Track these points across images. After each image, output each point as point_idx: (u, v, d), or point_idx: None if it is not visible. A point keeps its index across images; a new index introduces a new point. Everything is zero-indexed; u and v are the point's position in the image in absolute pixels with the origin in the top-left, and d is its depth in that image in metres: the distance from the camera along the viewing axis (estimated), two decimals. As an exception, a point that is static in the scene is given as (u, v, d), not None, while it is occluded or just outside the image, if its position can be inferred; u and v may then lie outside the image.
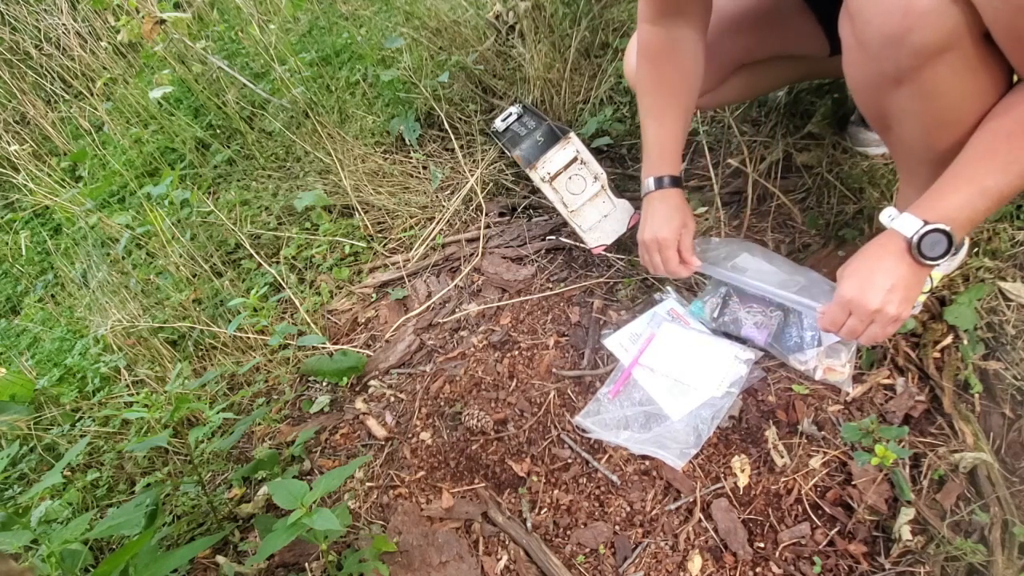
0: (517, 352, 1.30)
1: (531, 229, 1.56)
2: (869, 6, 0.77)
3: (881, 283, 0.83)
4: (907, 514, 0.91)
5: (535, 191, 1.69)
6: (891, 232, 0.83)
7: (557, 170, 1.16)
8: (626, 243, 1.39)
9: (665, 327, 1.20)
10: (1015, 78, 0.79)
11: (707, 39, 1.07)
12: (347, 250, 1.73)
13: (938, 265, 0.83)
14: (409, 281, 1.59)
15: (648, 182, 1.12)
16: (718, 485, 1.02)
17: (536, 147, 1.27)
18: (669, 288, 1.28)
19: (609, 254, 1.38)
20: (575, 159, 1.18)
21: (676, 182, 1.12)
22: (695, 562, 0.95)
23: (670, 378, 1.13)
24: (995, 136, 0.77)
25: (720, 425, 1.07)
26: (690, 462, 1.05)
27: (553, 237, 1.52)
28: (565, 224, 1.54)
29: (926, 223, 0.79)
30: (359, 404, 1.36)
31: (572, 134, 1.16)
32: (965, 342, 1.04)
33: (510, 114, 1.56)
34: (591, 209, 1.24)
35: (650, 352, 1.18)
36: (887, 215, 0.84)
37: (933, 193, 0.81)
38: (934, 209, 0.80)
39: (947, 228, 0.79)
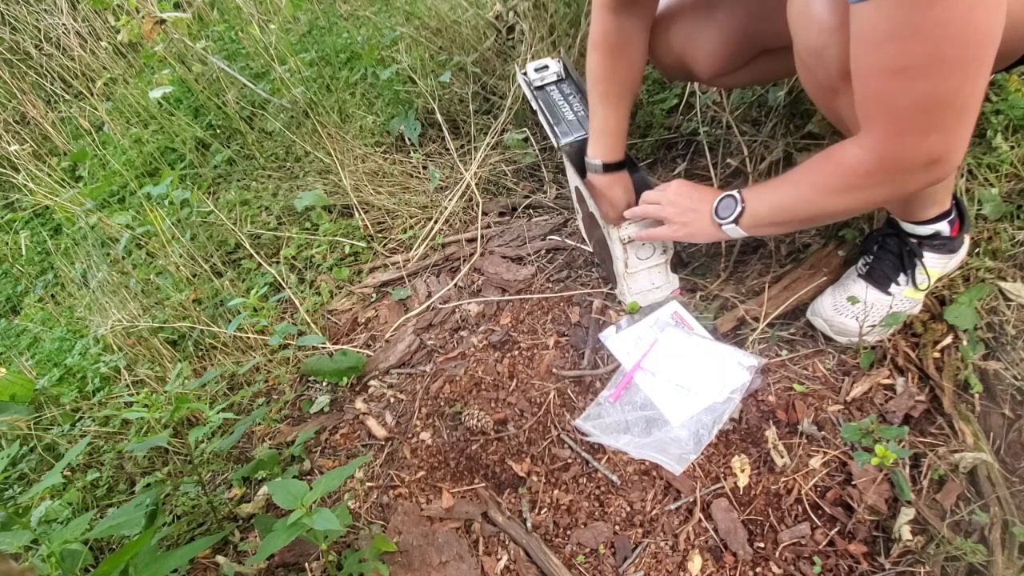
0: (517, 352, 1.30)
1: (531, 229, 1.56)
2: (796, 19, 0.81)
3: (691, 205, 1.05)
4: (907, 514, 0.91)
5: (535, 191, 1.69)
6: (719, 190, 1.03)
7: (639, 236, 1.17)
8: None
9: (668, 332, 1.20)
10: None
11: (738, 23, 1.07)
12: (347, 250, 1.73)
13: (722, 223, 1.00)
14: (409, 281, 1.59)
15: (599, 163, 1.21)
16: (718, 485, 1.02)
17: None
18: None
19: None
20: None
21: (626, 164, 1.24)
22: (695, 562, 0.95)
23: (672, 383, 1.13)
24: (805, 163, 0.90)
25: (720, 428, 1.07)
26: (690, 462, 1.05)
27: (553, 237, 1.52)
28: (565, 224, 1.54)
29: (734, 192, 0.98)
30: (359, 404, 1.36)
31: None
32: (965, 342, 1.04)
33: (546, 66, 1.46)
34: (646, 277, 1.23)
35: (652, 356, 1.17)
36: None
37: (762, 183, 0.99)
38: (746, 191, 0.98)
39: (739, 200, 0.97)
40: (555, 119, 1.38)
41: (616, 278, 1.26)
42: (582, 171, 1.33)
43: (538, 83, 1.45)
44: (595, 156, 1.21)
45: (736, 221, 0.98)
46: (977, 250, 1.12)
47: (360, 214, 1.76)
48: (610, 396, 1.15)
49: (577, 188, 1.34)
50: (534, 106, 1.44)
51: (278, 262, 1.76)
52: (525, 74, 1.47)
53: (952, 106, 0.70)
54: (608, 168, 1.20)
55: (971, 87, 0.69)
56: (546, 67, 1.46)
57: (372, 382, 1.39)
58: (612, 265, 1.25)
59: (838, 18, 0.75)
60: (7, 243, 2.59)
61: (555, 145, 1.37)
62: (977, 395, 1.00)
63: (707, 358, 1.14)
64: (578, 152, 1.35)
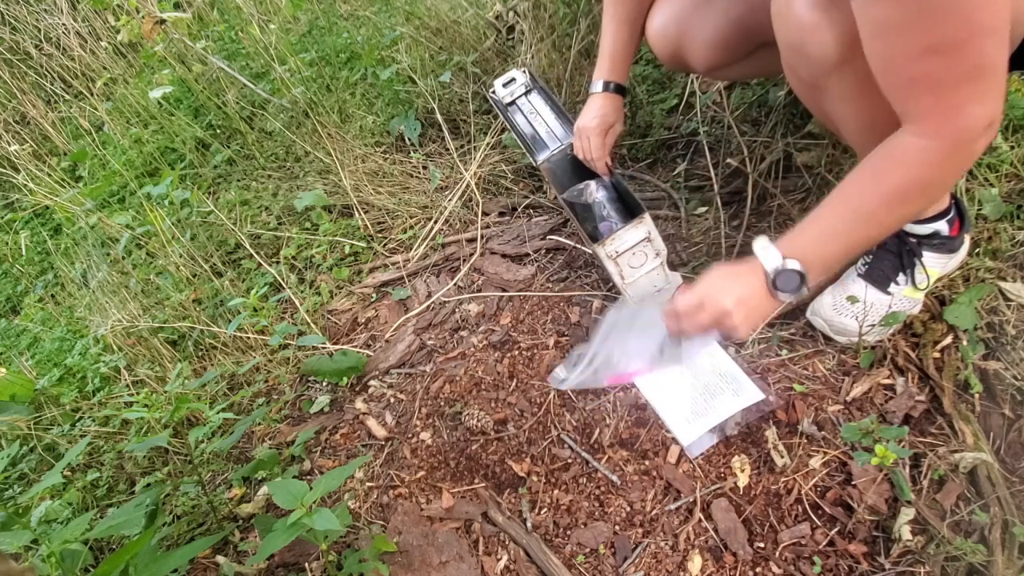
0: (517, 352, 1.30)
1: (531, 229, 1.56)
2: (777, 18, 0.81)
3: (738, 292, 0.88)
4: (907, 514, 0.91)
5: (535, 191, 1.69)
6: (758, 261, 0.88)
7: (626, 249, 1.17)
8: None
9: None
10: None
11: (737, 14, 1.07)
12: (347, 250, 1.73)
13: (791, 299, 0.88)
14: (409, 281, 1.59)
15: (598, 83, 1.25)
16: (718, 485, 1.02)
17: (604, 221, 1.29)
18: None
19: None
20: (645, 239, 1.18)
21: (620, 89, 1.25)
22: (695, 562, 0.95)
23: (684, 400, 1.11)
24: (853, 181, 0.82)
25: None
26: (690, 462, 1.05)
27: (553, 237, 1.52)
28: (565, 224, 1.54)
29: (784, 261, 0.85)
30: (359, 404, 1.36)
31: (647, 215, 1.16)
32: (965, 342, 1.04)
33: (513, 79, 1.45)
34: (645, 282, 1.24)
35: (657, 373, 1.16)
36: (760, 245, 0.88)
37: (797, 228, 0.87)
38: (792, 246, 0.86)
39: (800, 269, 0.84)
40: (528, 136, 1.39)
41: (619, 290, 1.27)
42: (561, 187, 1.34)
43: (508, 99, 1.45)
44: (596, 77, 1.25)
45: (801, 287, 0.87)
46: (977, 250, 1.12)
47: (360, 214, 1.76)
48: (604, 380, 1.13)
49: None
50: (507, 125, 1.45)
51: (278, 262, 1.76)
52: (494, 92, 1.47)
53: (994, 70, 0.70)
54: (605, 87, 1.24)
55: (1002, 51, 0.69)
56: (513, 80, 1.46)
57: (372, 382, 1.39)
58: (615, 284, 1.25)
59: (818, 16, 0.76)
60: (7, 243, 2.59)
61: (533, 163, 1.37)
62: (977, 395, 1.00)
63: (720, 379, 1.12)
64: (558, 166, 1.35)
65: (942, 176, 0.79)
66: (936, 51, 0.68)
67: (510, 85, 1.45)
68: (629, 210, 1.28)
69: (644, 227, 1.16)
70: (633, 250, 1.18)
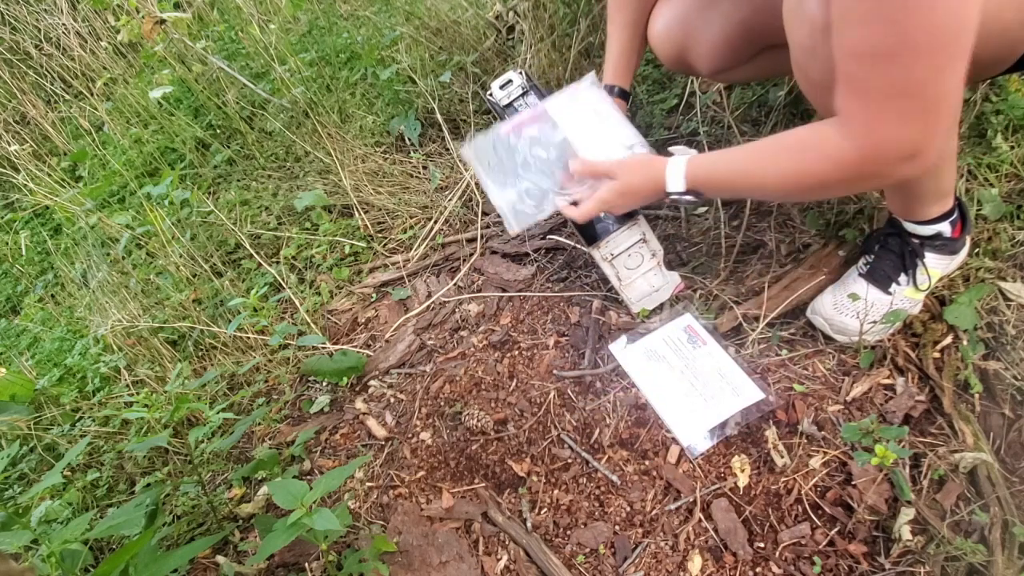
0: (517, 352, 1.30)
1: (531, 229, 1.56)
2: (789, 18, 0.81)
3: (631, 204, 1.02)
4: (907, 514, 0.91)
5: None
6: (665, 173, 0.95)
7: (621, 251, 1.18)
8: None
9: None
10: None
11: (742, 17, 1.07)
12: (347, 250, 1.73)
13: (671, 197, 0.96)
14: (409, 281, 1.59)
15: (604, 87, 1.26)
16: (718, 485, 1.02)
17: (599, 223, 1.29)
18: (691, 302, 1.26)
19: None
20: (640, 240, 1.18)
21: (623, 94, 1.26)
22: (695, 562, 0.95)
23: (682, 395, 1.11)
24: (768, 145, 0.86)
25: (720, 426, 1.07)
26: (690, 462, 1.05)
27: (553, 237, 1.52)
28: (565, 224, 1.54)
29: (685, 193, 0.93)
30: (359, 404, 1.36)
31: (641, 217, 1.16)
32: (965, 342, 1.04)
33: (509, 81, 1.45)
34: (643, 282, 1.25)
35: (658, 371, 1.16)
36: (675, 162, 0.93)
37: (710, 161, 0.92)
38: (699, 177, 0.92)
39: (691, 198, 0.94)
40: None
41: (620, 294, 1.27)
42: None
43: (505, 100, 1.45)
44: (603, 80, 1.25)
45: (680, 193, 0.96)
46: (977, 250, 1.12)
47: (360, 214, 1.76)
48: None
49: None
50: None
51: (278, 262, 1.76)
52: (491, 95, 1.46)
53: (923, 97, 0.69)
54: (610, 92, 1.24)
55: (942, 80, 0.68)
56: (510, 82, 1.45)
57: (372, 382, 1.39)
58: (612, 286, 1.25)
59: (830, 17, 0.76)
60: (7, 243, 2.60)
61: None
62: (977, 395, 1.00)
63: (719, 376, 1.12)
64: None
65: (844, 182, 0.79)
66: (867, 57, 0.68)
67: (507, 87, 1.45)
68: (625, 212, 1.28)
69: (638, 229, 1.16)
70: (629, 252, 1.18)
